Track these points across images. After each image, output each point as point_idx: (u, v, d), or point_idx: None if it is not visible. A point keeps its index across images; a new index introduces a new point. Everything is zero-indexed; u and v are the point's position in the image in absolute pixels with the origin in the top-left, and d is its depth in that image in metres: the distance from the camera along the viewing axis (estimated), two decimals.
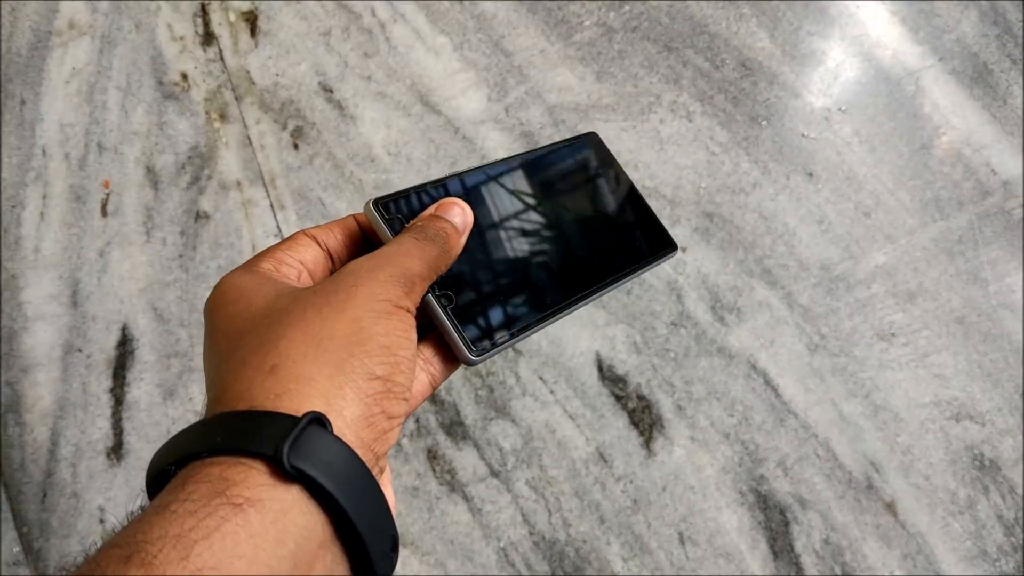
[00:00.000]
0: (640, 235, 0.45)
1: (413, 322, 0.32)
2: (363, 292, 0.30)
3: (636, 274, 0.43)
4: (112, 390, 0.93)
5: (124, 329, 0.95)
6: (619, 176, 0.47)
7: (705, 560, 0.89)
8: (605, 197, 0.45)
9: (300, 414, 0.26)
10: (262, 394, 0.26)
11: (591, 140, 0.47)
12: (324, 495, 0.25)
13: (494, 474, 0.90)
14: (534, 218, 0.42)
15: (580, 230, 0.43)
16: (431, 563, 0.87)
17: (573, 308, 0.40)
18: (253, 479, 0.24)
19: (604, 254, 0.43)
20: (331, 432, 0.26)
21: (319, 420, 0.26)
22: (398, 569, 0.87)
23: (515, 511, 0.89)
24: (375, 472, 0.28)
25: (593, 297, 0.41)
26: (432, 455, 0.90)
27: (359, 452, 0.27)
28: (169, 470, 0.25)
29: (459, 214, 0.37)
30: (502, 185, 0.42)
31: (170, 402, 0.92)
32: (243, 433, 0.25)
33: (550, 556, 0.89)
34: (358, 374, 0.28)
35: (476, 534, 0.88)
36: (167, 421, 0.92)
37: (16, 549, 0.89)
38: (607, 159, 0.47)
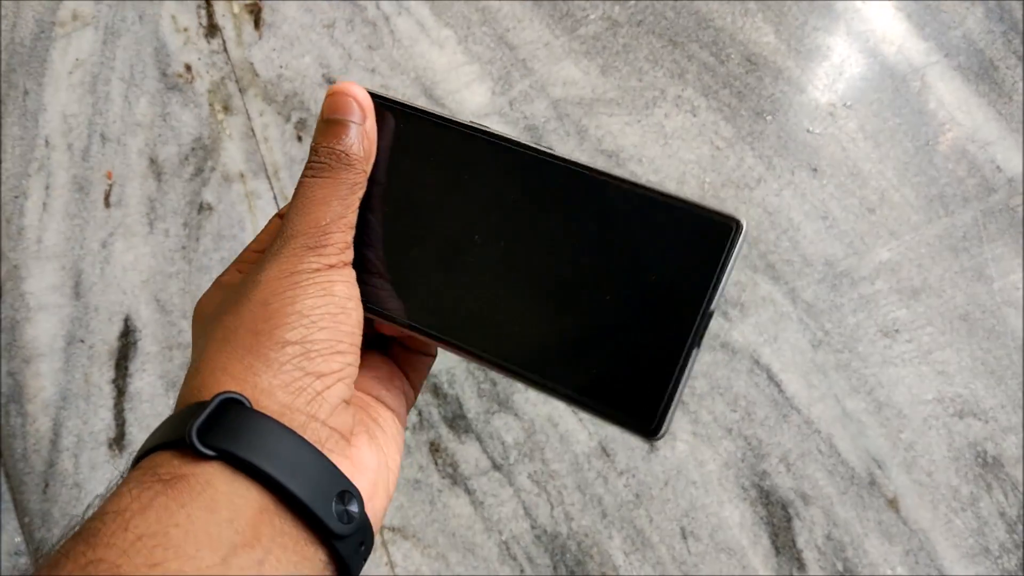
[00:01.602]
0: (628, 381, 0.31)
1: (337, 275, 0.32)
2: (270, 274, 0.31)
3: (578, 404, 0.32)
4: (114, 381, 0.93)
5: (126, 320, 0.95)
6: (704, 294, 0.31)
7: (707, 555, 0.89)
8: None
9: (213, 392, 0.28)
10: (188, 393, 0.29)
11: (723, 228, 0.31)
12: (243, 464, 0.26)
13: (496, 467, 0.90)
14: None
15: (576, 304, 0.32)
16: (432, 555, 0.87)
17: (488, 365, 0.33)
18: (177, 460, 0.26)
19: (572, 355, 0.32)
20: (246, 407, 0.27)
21: (231, 399, 0.27)
22: (400, 561, 0.87)
23: (517, 504, 0.89)
24: (319, 431, 0.29)
25: (514, 376, 0.33)
26: (434, 448, 0.91)
27: (286, 417, 0.28)
28: None
29: (355, 111, 0.33)
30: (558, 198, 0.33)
31: (172, 393, 0.92)
32: (170, 428, 0.28)
33: (552, 549, 0.89)
34: (266, 347, 0.29)
35: (478, 527, 0.88)
36: (169, 412, 0.92)
37: (18, 539, 0.89)
38: (711, 267, 0.30)
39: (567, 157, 0.33)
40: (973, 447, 0.91)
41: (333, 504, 0.27)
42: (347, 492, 0.28)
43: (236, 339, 0.29)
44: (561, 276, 0.32)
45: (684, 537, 0.89)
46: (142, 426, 0.92)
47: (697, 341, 0.30)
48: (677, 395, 0.30)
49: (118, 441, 0.92)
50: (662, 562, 0.88)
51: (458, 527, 0.88)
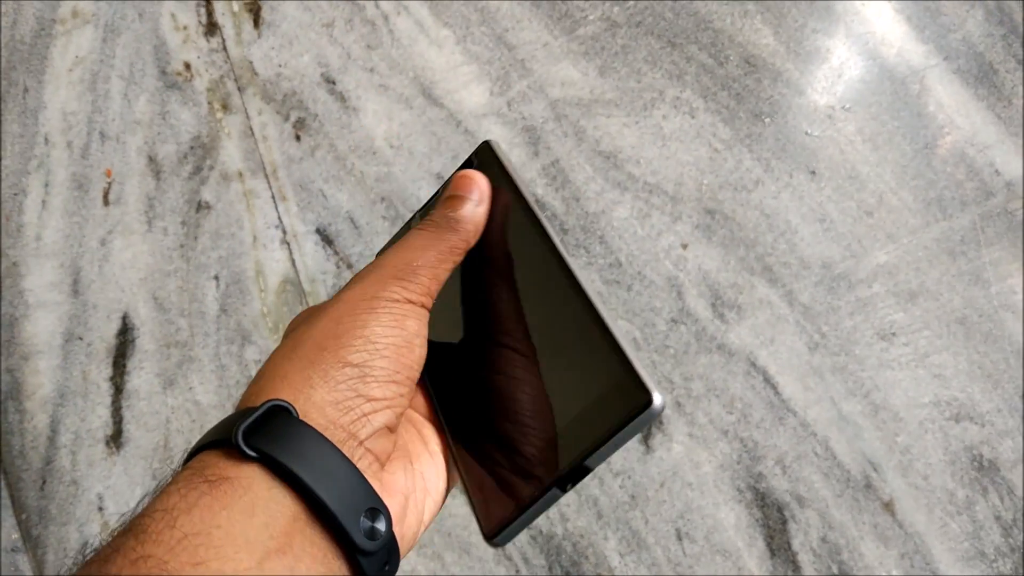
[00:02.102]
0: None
1: (412, 312, 0.33)
2: (351, 294, 0.32)
3: None
4: (112, 378, 0.93)
5: (125, 318, 0.95)
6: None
7: (702, 557, 0.89)
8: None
9: (272, 401, 0.29)
10: (247, 396, 0.31)
11: (635, 399, 0.30)
12: (281, 468, 0.27)
13: None
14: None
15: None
16: (428, 555, 0.87)
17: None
18: (223, 461, 0.28)
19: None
20: (293, 416, 0.29)
21: (280, 407, 0.29)
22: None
23: None
24: (355, 450, 0.30)
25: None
26: None
27: (329, 431, 0.29)
28: None
29: (475, 192, 0.37)
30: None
31: (169, 391, 0.93)
32: (221, 429, 0.29)
33: (547, 550, 0.89)
34: (328, 363, 0.30)
35: (473, 527, 0.89)
36: (166, 410, 0.92)
37: (15, 536, 0.89)
38: (606, 427, 0.31)
39: (578, 283, 0.33)
40: (969, 451, 0.91)
41: (361, 519, 0.28)
42: (376, 509, 0.29)
43: (303, 350, 0.31)
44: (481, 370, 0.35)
45: (679, 539, 0.89)
46: (139, 424, 0.92)
47: (561, 485, 0.31)
48: (520, 521, 0.32)
49: (115, 438, 0.92)
50: (657, 563, 0.88)
51: (454, 527, 0.88)
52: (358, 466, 0.29)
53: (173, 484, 0.27)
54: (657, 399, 0.29)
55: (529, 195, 0.36)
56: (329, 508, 0.27)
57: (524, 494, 0.32)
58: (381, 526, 0.28)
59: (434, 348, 0.35)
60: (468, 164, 0.39)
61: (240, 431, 0.27)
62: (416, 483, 0.33)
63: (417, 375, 0.33)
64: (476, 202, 0.36)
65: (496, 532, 0.32)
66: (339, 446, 0.29)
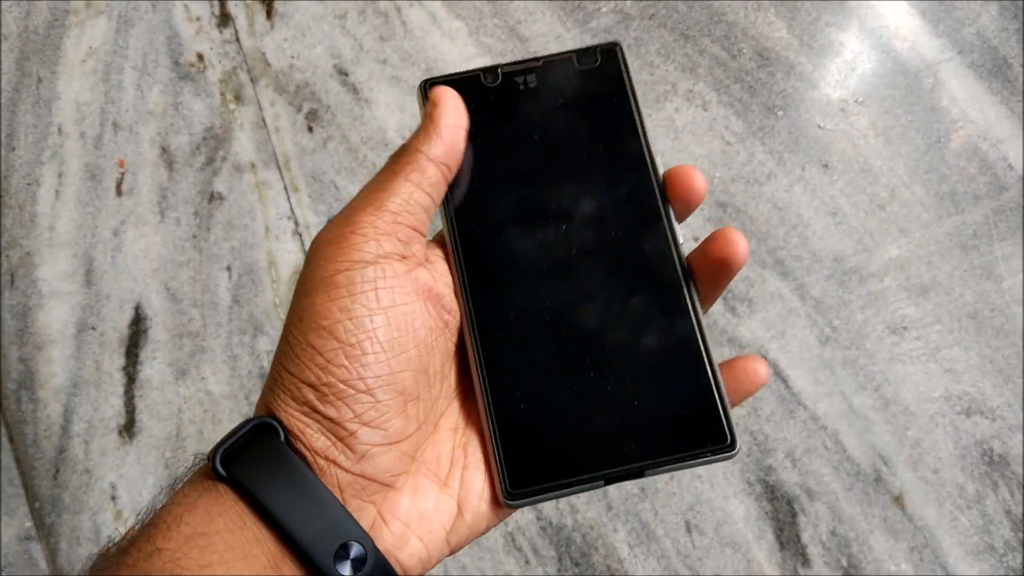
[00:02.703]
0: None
1: (401, 275, 0.29)
2: (310, 267, 0.29)
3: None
4: (125, 368, 0.93)
5: (137, 308, 0.95)
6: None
7: (711, 549, 0.88)
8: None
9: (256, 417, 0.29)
10: (261, 398, 0.30)
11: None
12: (254, 500, 0.26)
13: None
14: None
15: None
16: None
17: None
18: (198, 474, 0.28)
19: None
20: (276, 437, 0.27)
21: (266, 424, 0.27)
22: None
23: None
24: (336, 477, 0.28)
25: None
26: None
27: (311, 458, 0.28)
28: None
29: (449, 98, 0.31)
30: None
31: (182, 381, 0.92)
32: (227, 434, 0.28)
33: (557, 541, 0.89)
34: (316, 371, 0.27)
35: None
36: (179, 400, 0.92)
37: (28, 524, 0.89)
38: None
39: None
40: (980, 445, 0.91)
41: (334, 556, 0.26)
42: (349, 544, 0.26)
43: (296, 341, 0.28)
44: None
45: (689, 531, 0.89)
46: (152, 413, 0.92)
47: (611, 480, 0.29)
48: (548, 494, 0.29)
49: (128, 428, 0.92)
50: (667, 555, 0.88)
51: None
52: (347, 492, 0.27)
53: (187, 482, 0.28)
54: (738, 448, 0.29)
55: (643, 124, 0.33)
56: (302, 546, 0.26)
57: (569, 470, 0.29)
58: (362, 559, 0.26)
59: (497, 265, 0.31)
60: (589, 56, 0.34)
61: (218, 454, 0.27)
62: (431, 504, 0.29)
63: (430, 362, 0.29)
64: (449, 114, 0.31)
65: (518, 493, 0.29)
66: (321, 474, 0.27)
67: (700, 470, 0.90)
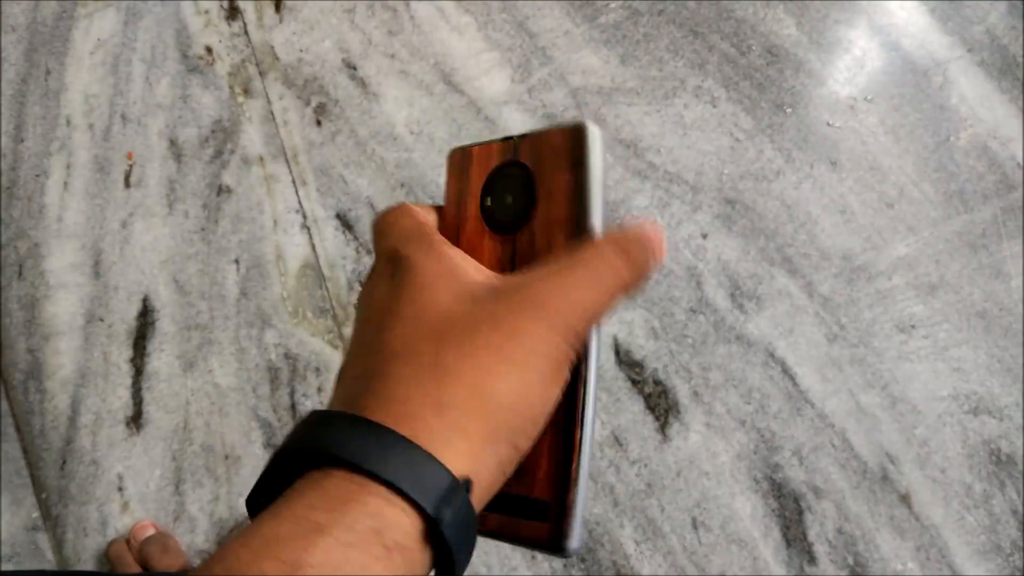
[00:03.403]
0: None
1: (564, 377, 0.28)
2: (531, 342, 0.27)
3: None
4: (132, 360, 0.92)
5: (145, 300, 0.94)
6: None
7: (718, 546, 0.88)
8: None
9: (455, 472, 0.25)
10: (427, 433, 0.25)
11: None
12: (446, 557, 0.25)
13: None
14: None
15: None
16: None
17: None
18: (405, 527, 0.24)
19: None
20: (469, 498, 0.25)
21: (467, 485, 0.25)
22: None
23: None
24: None
25: None
26: None
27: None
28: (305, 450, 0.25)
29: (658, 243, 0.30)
30: None
31: (189, 374, 0.92)
32: (409, 471, 0.24)
33: None
34: (503, 445, 0.26)
35: None
36: (186, 392, 0.91)
37: (35, 514, 0.89)
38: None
39: None
40: (987, 444, 0.90)
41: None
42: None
43: (489, 413, 0.26)
44: None
45: (695, 528, 0.88)
46: (159, 405, 0.91)
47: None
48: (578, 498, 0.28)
49: (135, 420, 0.91)
50: (673, 552, 0.87)
51: None
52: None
53: (343, 530, 0.23)
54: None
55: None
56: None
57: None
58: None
59: None
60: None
61: (448, 514, 0.24)
62: None
63: None
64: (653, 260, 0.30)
65: (570, 537, 0.28)
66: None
67: (707, 466, 0.90)
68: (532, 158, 0.30)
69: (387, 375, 0.27)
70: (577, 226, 0.29)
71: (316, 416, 0.26)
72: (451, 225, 0.32)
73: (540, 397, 0.27)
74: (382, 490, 0.24)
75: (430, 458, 0.25)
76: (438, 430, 0.25)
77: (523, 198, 0.30)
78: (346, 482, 0.24)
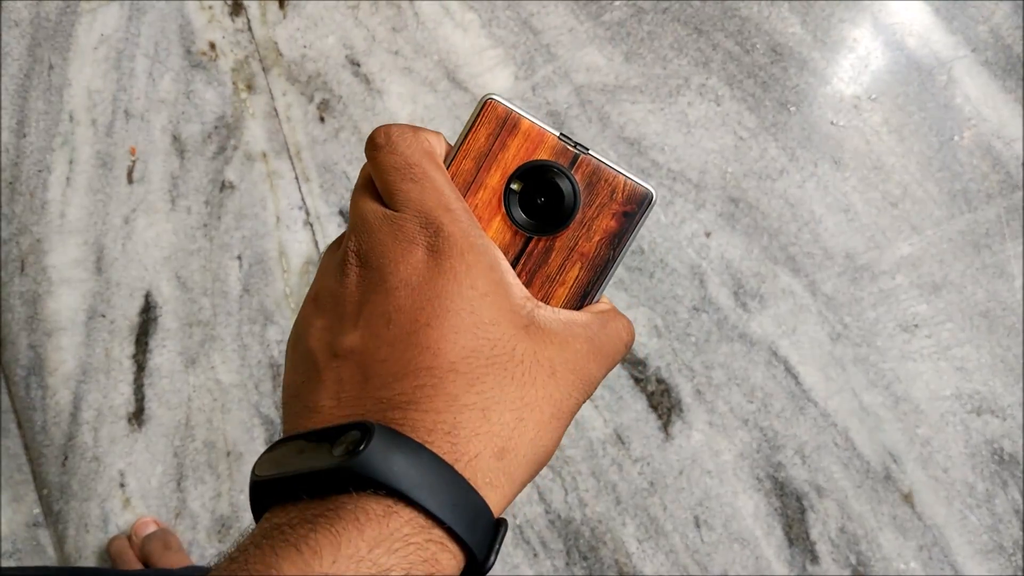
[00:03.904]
0: None
1: None
2: (573, 404, 0.27)
3: None
4: (134, 356, 0.91)
5: (147, 296, 0.93)
6: None
7: (720, 544, 0.87)
8: None
9: (495, 515, 0.24)
10: (483, 475, 0.24)
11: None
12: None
13: None
14: None
15: None
16: None
17: None
18: (452, 571, 0.23)
19: None
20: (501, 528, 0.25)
21: (504, 530, 0.25)
22: None
23: (531, 489, 0.88)
24: None
25: None
26: None
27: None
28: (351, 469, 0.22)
29: None
30: None
31: (191, 370, 0.91)
32: (466, 517, 0.23)
33: (565, 535, 0.87)
34: (525, 482, 0.26)
35: None
36: (188, 388, 0.90)
37: (36, 511, 0.88)
38: None
39: None
40: (990, 444, 0.89)
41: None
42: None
43: (529, 460, 0.26)
44: None
45: (697, 526, 0.87)
46: (161, 402, 0.90)
47: None
48: None
49: (137, 416, 0.90)
50: (675, 550, 0.87)
51: None
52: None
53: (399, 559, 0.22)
54: None
55: None
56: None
57: None
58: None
59: None
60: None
61: (494, 558, 0.23)
62: None
63: None
64: None
65: None
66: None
67: (710, 465, 0.89)
68: (587, 181, 0.29)
69: (447, 395, 0.24)
70: (600, 274, 0.29)
71: (376, 435, 0.22)
72: (462, 178, 0.29)
73: (553, 444, 0.26)
74: (439, 533, 0.22)
75: (485, 507, 0.23)
76: (493, 473, 0.24)
77: (556, 211, 0.29)
78: (407, 523, 0.22)
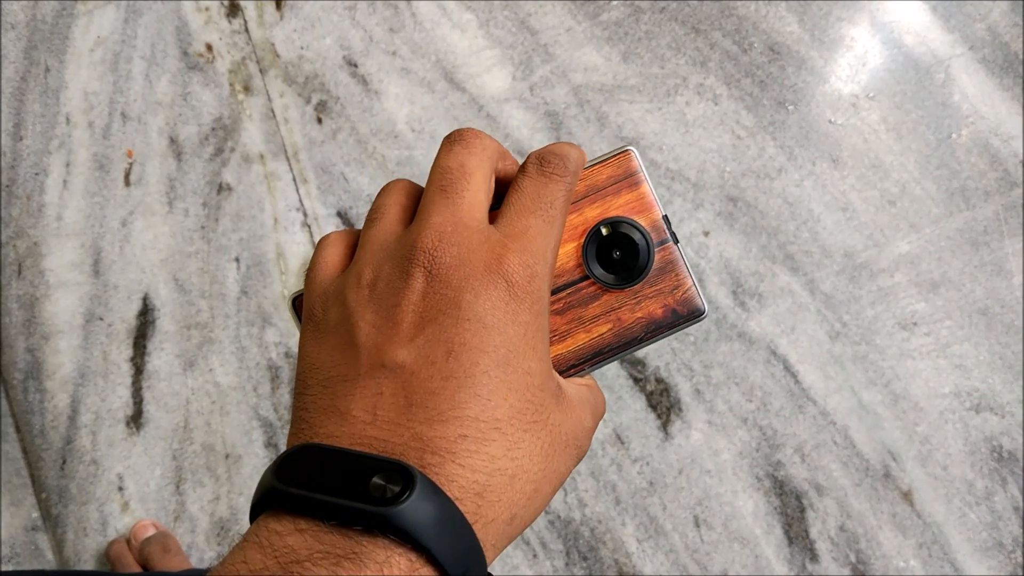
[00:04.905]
0: None
1: None
2: (569, 468, 0.25)
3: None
4: (132, 359, 0.89)
5: (145, 299, 0.91)
6: None
7: (720, 544, 0.85)
8: None
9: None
10: (493, 537, 0.23)
11: None
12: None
13: None
14: None
15: None
16: None
17: None
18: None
19: None
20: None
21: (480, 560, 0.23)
22: None
23: None
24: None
25: None
26: None
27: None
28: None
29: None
30: None
31: (189, 372, 0.89)
32: (465, 564, 0.21)
33: (565, 535, 0.86)
34: (518, 534, 0.24)
35: None
36: (186, 391, 0.88)
37: (35, 515, 0.86)
38: None
39: None
40: (989, 441, 0.88)
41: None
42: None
43: (535, 507, 0.24)
44: None
45: (697, 525, 0.86)
46: (159, 404, 0.88)
47: None
48: None
49: (135, 419, 0.88)
50: (675, 550, 0.85)
51: None
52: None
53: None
54: None
55: None
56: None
57: None
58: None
59: None
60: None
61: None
62: None
63: None
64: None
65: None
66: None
67: (709, 464, 0.87)
68: (662, 264, 0.30)
69: (487, 456, 0.22)
70: (619, 347, 0.29)
71: (418, 487, 0.21)
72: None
73: (551, 496, 0.25)
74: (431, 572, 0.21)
75: (487, 572, 0.22)
76: (500, 537, 0.23)
77: (624, 271, 0.29)
78: (404, 561, 0.20)
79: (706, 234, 0.92)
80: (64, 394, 0.88)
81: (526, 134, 0.96)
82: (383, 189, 0.28)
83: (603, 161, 0.30)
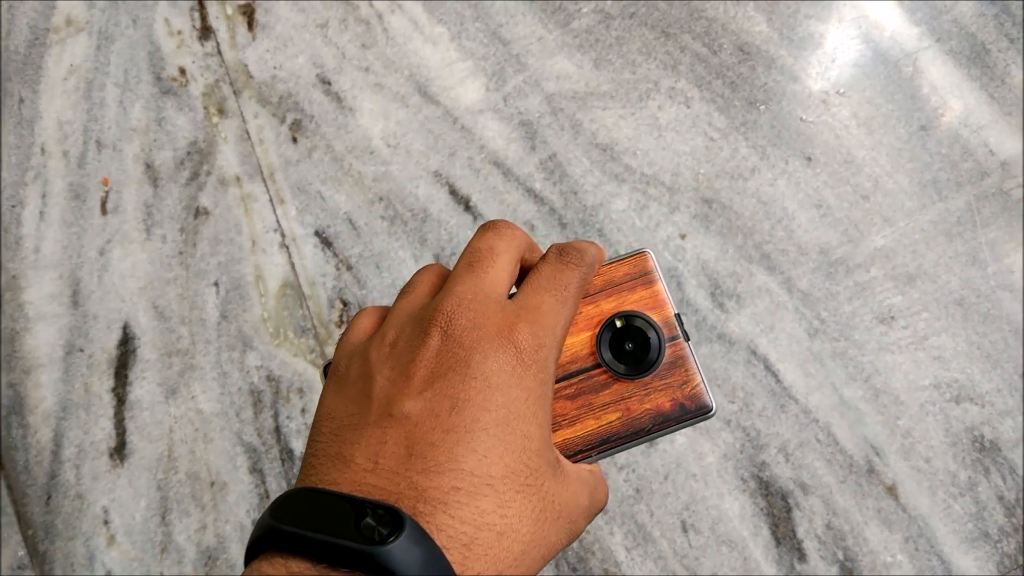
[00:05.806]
0: None
1: None
2: (561, 543, 0.25)
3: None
4: (114, 389, 0.84)
5: (125, 328, 0.86)
6: None
7: (708, 548, 0.81)
8: None
9: None
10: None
11: None
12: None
13: None
14: None
15: None
16: None
17: None
18: None
19: None
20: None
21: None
22: None
23: None
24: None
25: None
26: None
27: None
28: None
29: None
30: None
31: (172, 400, 0.84)
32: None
33: None
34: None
35: None
36: (169, 420, 0.83)
37: (21, 552, 0.81)
38: None
39: None
40: (970, 432, 0.83)
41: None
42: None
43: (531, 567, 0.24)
44: None
45: (685, 531, 0.81)
46: (142, 435, 0.83)
47: None
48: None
49: (119, 451, 0.83)
50: (664, 556, 0.80)
51: None
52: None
53: None
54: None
55: None
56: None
57: None
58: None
59: None
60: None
61: None
62: None
63: None
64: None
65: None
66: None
67: (695, 468, 0.82)
68: (672, 359, 0.29)
69: (478, 509, 0.22)
70: (626, 437, 0.29)
71: (406, 530, 0.20)
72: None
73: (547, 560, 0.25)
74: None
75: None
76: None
77: (635, 362, 0.29)
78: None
79: (682, 237, 0.87)
80: (47, 428, 0.83)
81: (501, 144, 0.91)
82: (419, 270, 0.29)
83: (621, 260, 0.30)
